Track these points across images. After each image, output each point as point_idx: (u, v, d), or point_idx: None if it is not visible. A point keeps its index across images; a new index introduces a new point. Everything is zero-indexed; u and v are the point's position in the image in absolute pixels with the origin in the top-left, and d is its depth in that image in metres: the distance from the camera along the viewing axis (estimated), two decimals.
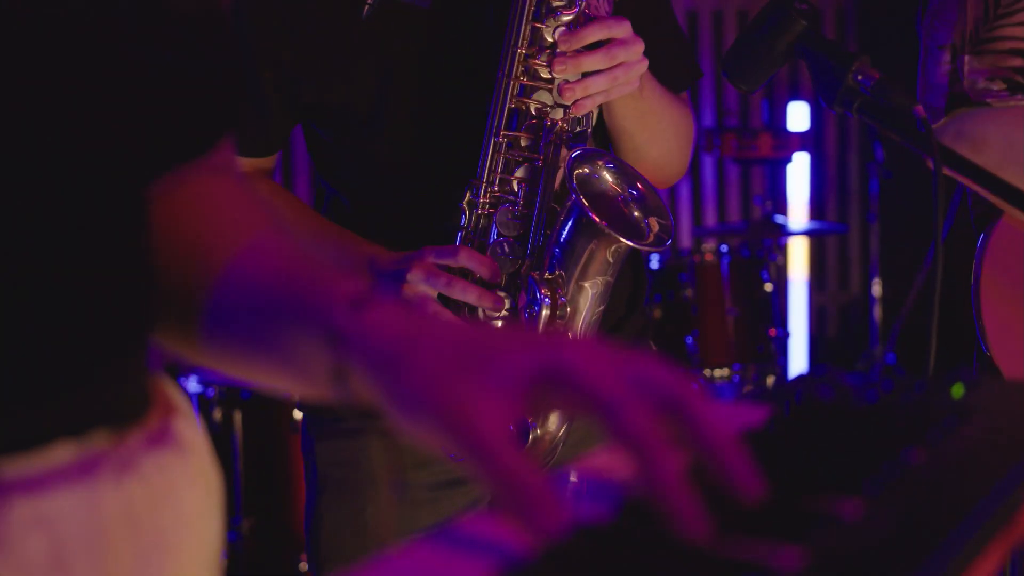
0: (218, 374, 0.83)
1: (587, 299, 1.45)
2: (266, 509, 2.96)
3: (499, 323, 1.46)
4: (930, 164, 1.26)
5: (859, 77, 1.28)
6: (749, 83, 1.40)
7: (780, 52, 1.35)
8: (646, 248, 1.45)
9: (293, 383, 0.78)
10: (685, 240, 5.31)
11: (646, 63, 1.45)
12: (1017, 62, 1.64)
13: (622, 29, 1.43)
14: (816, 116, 5.18)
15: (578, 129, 1.48)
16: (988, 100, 1.64)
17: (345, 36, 1.49)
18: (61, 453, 0.66)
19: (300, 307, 0.73)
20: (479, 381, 0.63)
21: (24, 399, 0.65)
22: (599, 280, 1.45)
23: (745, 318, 3.52)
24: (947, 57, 1.67)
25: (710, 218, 5.35)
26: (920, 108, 1.24)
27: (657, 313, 3.50)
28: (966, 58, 1.65)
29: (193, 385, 3.03)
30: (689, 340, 3.45)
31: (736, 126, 5.11)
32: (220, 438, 2.95)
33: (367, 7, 1.48)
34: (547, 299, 1.43)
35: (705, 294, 3.50)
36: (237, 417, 2.94)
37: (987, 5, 1.65)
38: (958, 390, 0.78)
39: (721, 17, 5.31)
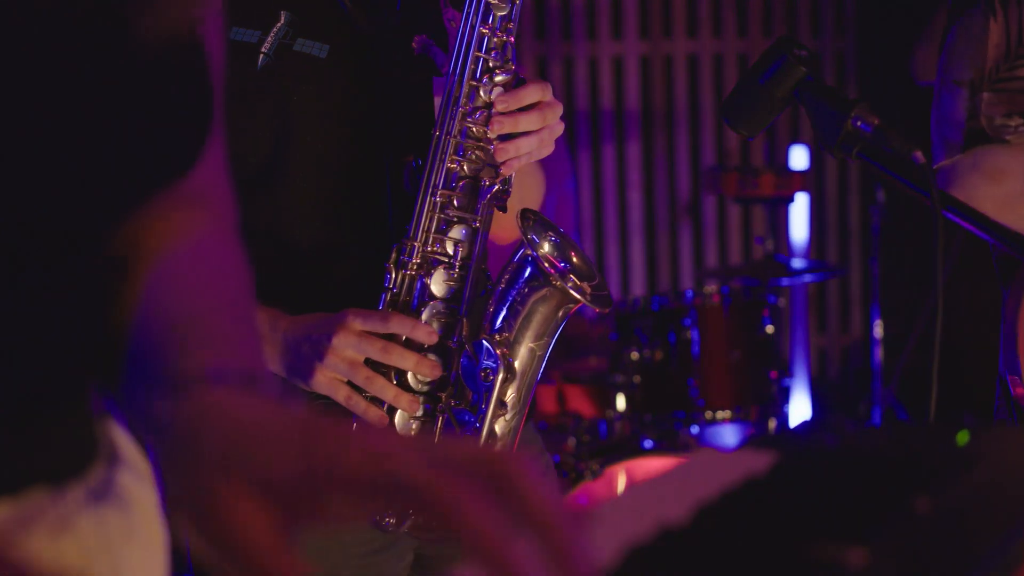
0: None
1: (532, 361, 1.46)
2: None
3: (426, 387, 1.44)
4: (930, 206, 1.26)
5: (858, 123, 1.28)
6: (749, 128, 1.41)
7: (780, 98, 1.36)
8: (594, 306, 1.46)
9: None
10: (687, 281, 5.31)
11: (563, 126, 1.49)
12: None
13: (548, 92, 1.46)
14: (816, 157, 5.19)
15: (504, 188, 1.48)
16: (1007, 137, 1.65)
17: (240, 86, 1.44)
18: None
19: (151, 374, 0.71)
20: (241, 483, 0.60)
21: None
22: (544, 342, 1.46)
23: (747, 361, 3.51)
24: (965, 93, 1.68)
25: (711, 258, 5.35)
26: (919, 154, 1.25)
27: (659, 355, 3.49)
28: (984, 95, 1.66)
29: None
30: (691, 383, 3.44)
31: (737, 165, 5.13)
32: None
33: (262, 56, 1.44)
34: (500, 362, 1.43)
35: (707, 336, 3.49)
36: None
37: (1009, 45, 1.66)
38: (963, 437, 0.77)
39: (721, 61, 5.34)
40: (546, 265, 1.42)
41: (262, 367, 0.71)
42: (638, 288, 5.24)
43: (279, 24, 1.45)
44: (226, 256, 0.85)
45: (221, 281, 0.81)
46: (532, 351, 1.46)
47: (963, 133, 1.67)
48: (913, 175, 1.29)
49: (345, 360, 1.39)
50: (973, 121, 1.67)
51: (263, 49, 1.45)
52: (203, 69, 0.80)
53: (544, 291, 1.43)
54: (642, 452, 3.34)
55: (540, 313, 1.44)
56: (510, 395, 1.46)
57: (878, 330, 4.76)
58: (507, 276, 1.44)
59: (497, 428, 1.46)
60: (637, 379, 3.48)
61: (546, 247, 1.47)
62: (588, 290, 1.47)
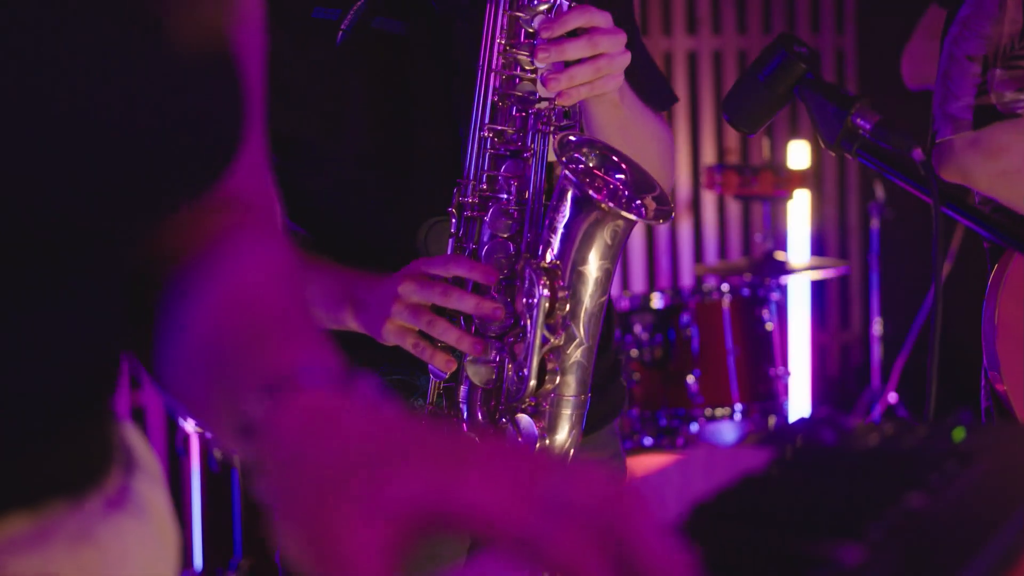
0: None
1: (587, 286, 1.38)
2: (266, 549, 2.94)
3: (496, 328, 1.39)
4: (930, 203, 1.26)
5: (858, 120, 1.28)
6: (750, 126, 1.41)
7: (780, 95, 1.36)
8: (648, 222, 1.38)
9: (224, 440, 0.74)
10: (686, 279, 5.31)
11: (628, 56, 1.40)
12: None
13: (604, 18, 1.38)
14: (816, 154, 5.20)
15: (565, 123, 1.43)
16: (1018, 111, 1.65)
17: (318, 62, 1.47)
18: (16, 524, 0.65)
19: (229, 382, 0.70)
20: (358, 504, 0.58)
21: None
22: (599, 265, 1.37)
23: (746, 357, 3.52)
24: (977, 69, 1.67)
25: (711, 255, 5.36)
26: (919, 151, 1.25)
27: (658, 352, 3.49)
28: (997, 71, 1.65)
29: (192, 424, 3.02)
30: (691, 380, 3.44)
31: (737, 163, 5.13)
32: (220, 478, 2.94)
33: (341, 33, 1.47)
34: (546, 290, 1.35)
35: (706, 333, 3.50)
36: (237, 456, 2.93)
37: None
38: (959, 433, 0.77)
39: (721, 57, 5.34)
40: (587, 187, 1.34)
41: (339, 365, 0.69)
42: (638, 285, 5.24)
43: (359, 3, 1.48)
44: (277, 258, 0.83)
45: (280, 282, 0.80)
46: (586, 275, 1.37)
47: (971, 109, 1.66)
48: (913, 172, 1.29)
49: (409, 307, 1.39)
50: (983, 97, 1.65)
51: (342, 26, 1.47)
52: (237, 70, 0.79)
53: (589, 213, 1.34)
54: (642, 449, 3.34)
55: (590, 236, 1.36)
56: (575, 323, 1.38)
57: (877, 327, 4.76)
58: (554, 203, 1.37)
59: (548, 361, 1.38)
60: (637, 376, 3.48)
61: (590, 166, 1.40)
62: (650, 204, 1.39)
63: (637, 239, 5.30)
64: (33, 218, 0.64)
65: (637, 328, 3.50)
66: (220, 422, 0.71)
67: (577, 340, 1.39)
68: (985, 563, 0.57)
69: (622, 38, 1.39)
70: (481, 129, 1.42)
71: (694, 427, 3.45)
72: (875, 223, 4.67)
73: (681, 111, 5.33)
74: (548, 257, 1.38)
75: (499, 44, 1.41)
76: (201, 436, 2.97)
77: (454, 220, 1.44)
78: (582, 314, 1.38)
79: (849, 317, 5.51)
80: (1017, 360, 1.69)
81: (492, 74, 1.42)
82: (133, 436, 0.78)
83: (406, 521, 0.58)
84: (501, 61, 1.42)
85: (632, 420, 3.48)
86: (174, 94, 0.71)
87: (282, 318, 0.75)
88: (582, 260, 1.37)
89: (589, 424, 1.49)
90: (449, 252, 1.44)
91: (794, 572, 0.56)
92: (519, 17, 1.41)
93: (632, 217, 1.34)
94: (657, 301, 3.52)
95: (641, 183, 1.41)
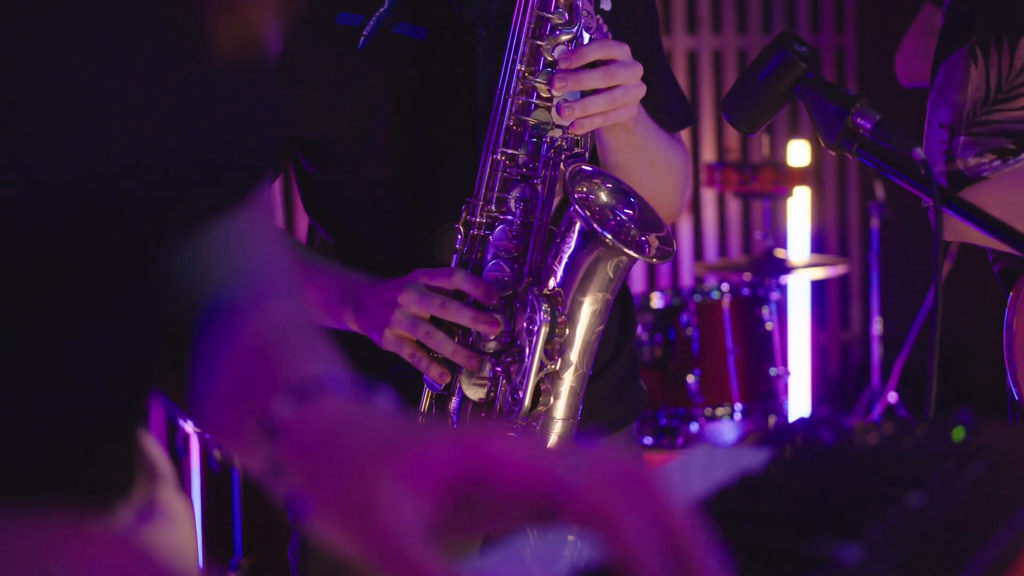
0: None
1: (586, 316, 1.42)
2: (266, 548, 2.94)
3: (492, 346, 1.43)
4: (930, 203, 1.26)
5: (859, 119, 1.28)
6: (750, 125, 1.41)
7: (780, 95, 1.36)
8: (650, 261, 1.43)
9: (249, 462, 0.74)
10: (686, 278, 5.31)
11: (644, 88, 1.44)
12: (1005, 143, 1.67)
13: (622, 51, 1.42)
14: (816, 154, 5.19)
15: (576, 151, 1.47)
16: (984, 174, 1.67)
17: (340, 67, 1.49)
18: None
19: (251, 381, 0.71)
20: (392, 478, 0.59)
21: (17, 489, 0.64)
22: (599, 296, 1.42)
23: (746, 357, 3.52)
24: (945, 136, 1.70)
25: (711, 254, 5.35)
26: (919, 150, 1.25)
27: (658, 352, 3.49)
28: (961, 139, 1.68)
29: (192, 425, 3.02)
30: (691, 379, 3.45)
31: (737, 161, 5.13)
32: (220, 477, 2.94)
33: (362, 39, 1.49)
34: (546, 316, 1.40)
35: (706, 333, 3.50)
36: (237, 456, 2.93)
37: (988, 91, 1.67)
38: (959, 433, 0.78)
39: (721, 57, 5.34)
40: (593, 221, 1.38)
41: (356, 377, 0.70)
42: (637, 284, 5.24)
43: (382, 9, 1.49)
44: (285, 264, 0.84)
45: (294, 284, 0.82)
46: (585, 306, 1.42)
47: (944, 176, 1.69)
48: (913, 172, 1.29)
49: (409, 316, 1.42)
50: (951, 164, 1.68)
51: (364, 32, 1.49)
52: (274, 77, 0.78)
53: (594, 247, 1.39)
54: (642, 449, 3.34)
55: (592, 269, 1.40)
56: (570, 351, 1.42)
57: (877, 326, 4.76)
58: (561, 231, 1.41)
59: (542, 383, 1.42)
60: None
61: (599, 201, 1.44)
62: (653, 242, 1.43)
63: None
64: (77, 237, 0.63)
65: (637, 328, 3.50)
66: (249, 442, 0.71)
67: (573, 367, 1.43)
68: (985, 563, 0.57)
69: (639, 71, 1.43)
70: (494, 152, 1.45)
71: (694, 427, 3.45)
72: (875, 222, 4.67)
73: None
74: (551, 284, 1.42)
75: (519, 71, 1.44)
76: (201, 436, 2.97)
77: (460, 236, 1.47)
78: (579, 342, 1.43)
79: (849, 317, 5.51)
80: None
81: (509, 99, 1.44)
82: (149, 443, 0.78)
83: (441, 493, 0.59)
84: (519, 87, 1.44)
85: None
86: (217, 106, 0.70)
87: (300, 329, 0.76)
88: (583, 291, 1.41)
89: (608, 426, 1.51)
90: (453, 266, 1.46)
91: (794, 572, 0.56)
92: (540, 46, 1.44)
93: (635, 255, 1.38)
94: (657, 301, 3.52)
95: (648, 221, 1.45)
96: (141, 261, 0.70)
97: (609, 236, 1.37)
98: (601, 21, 1.47)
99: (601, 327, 1.44)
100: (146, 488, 0.74)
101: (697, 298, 3.51)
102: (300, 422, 0.65)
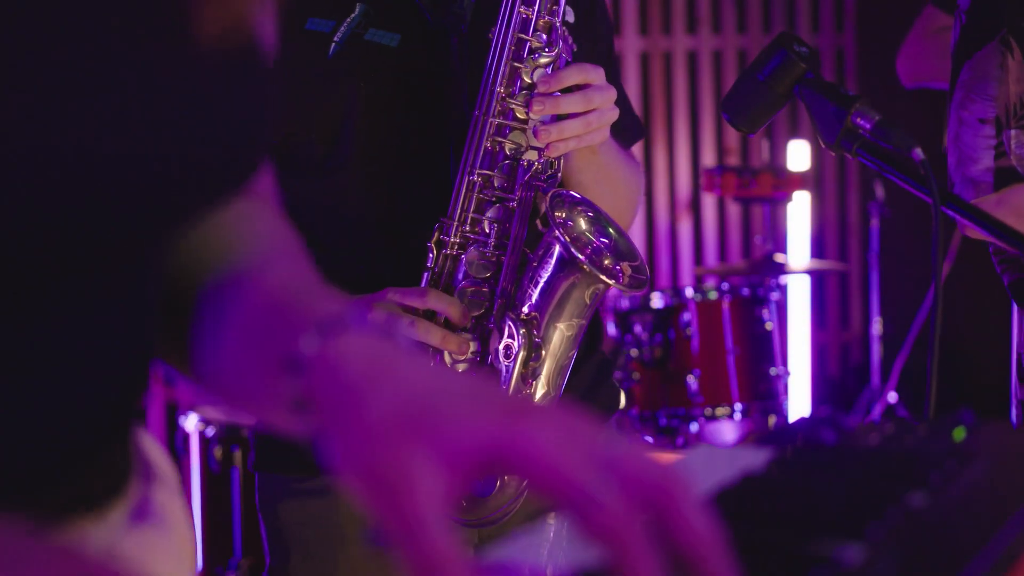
0: (212, 401, 0.79)
1: (560, 341, 1.44)
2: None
3: (462, 367, 1.43)
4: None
5: (859, 119, 1.28)
6: (750, 125, 1.41)
7: (780, 95, 1.36)
8: (625, 289, 1.44)
9: (265, 412, 0.73)
10: (686, 280, 5.31)
11: (617, 112, 1.45)
12: None
13: (598, 75, 1.43)
14: (816, 155, 5.20)
15: (549, 172, 1.47)
16: None
17: (310, 73, 1.48)
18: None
19: (270, 327, 0.70)
20: (423, 450, 0.59)
21: (7, 488, 0.64)
22: (574, 323, 1.44)
23: (746, 357, 3.52)
24: (991, 131, 1.66)
25: (711, 257, 5.35)
26: (919, 150, 1.25)
27: (658, 352, 3.49)
28: (1012, 132, 1.65)
29: (192, 423, 3.02)
30: (691, 379, 3.45)
31: (736, 166, 5.13)
32: (220, 477, 2.94)
33: (333, 44, 1.48)
34: (524, 340, 1.41)
35: (706, 333, 3.50)
36: (237, 455, 2.93)
37: None
38: (959, 433, 0.77)
39: (720, 57, 5.34)
40: (573, 248, 1.39)
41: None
42: None
43: (353, 15, 1.49)
44: (290, 232, 0.84)
45: (302, 251, 0.81)
46: (560, 331, 1.43)
47: (992, 172, 1.66)
48: (913, 172, 1.29)
49: None
50: (1003, 159, 1.65)
51: (335, 38, 1.48)
52: (264, 62, 0.78)
53: (572, 273, 1.40)
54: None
55: (568, 294, 1.42)
56: (541, 376, 1.44)
57: (877, 327, 4.76)
58: (539, 256, 1.43)
59: None
60: (637, 376, 3.48)
61: (578, 227, 1.45)
62: (627, 271, 1.45)
63: (638, 240, 5.30)
64: (68, 231, 0.63)
65: (637, 328, 3.50)
66: (265, 394, 0.71)
67: (544, 391, 1.45)
68: (985, 563, 0.57)
69: (613, 94, 1.44)
70: (471, 173, 1.45)
71: (694, 427, 3.45)
72: (875, 223, 4.67)
73: (681, 111, 5.33)
74: (525, 308, 1.43)
75: (497, 92, 1.44)
76: (201, 436, 2.97)
77: (432, 254, 1.47)
78: (552, 367, 1.45)
79: (849, 317, 5.51)
80: None
81: (488, 120, 1.45)
82: (148, 443, 0.78)
83: (466, 467, 0.59)
84: (497, 108, 1.45)
85: (632, 420, 3.48)
86: (205, 93, 0.70)
87: (315, 283, 0.76)
88: (558, 316, 1.43)
89: None
90: (423, 285, 1.46)
91: (794, 571, 0.56)
92: (518, 67, 1.45)
93: (611, 283, 1.40)
94: (657, 301, 3.52)
95: (623, 250, 1.47)
96: (136, 254, 0.70)
97: (587, 263, 1.39)
98: (566, 33, 1.48)
99: (573, 352, 1.46)
100: (140, 488, 0.73)
101: (697, 298, 3.51)
102: (325, 356, 0.65)
